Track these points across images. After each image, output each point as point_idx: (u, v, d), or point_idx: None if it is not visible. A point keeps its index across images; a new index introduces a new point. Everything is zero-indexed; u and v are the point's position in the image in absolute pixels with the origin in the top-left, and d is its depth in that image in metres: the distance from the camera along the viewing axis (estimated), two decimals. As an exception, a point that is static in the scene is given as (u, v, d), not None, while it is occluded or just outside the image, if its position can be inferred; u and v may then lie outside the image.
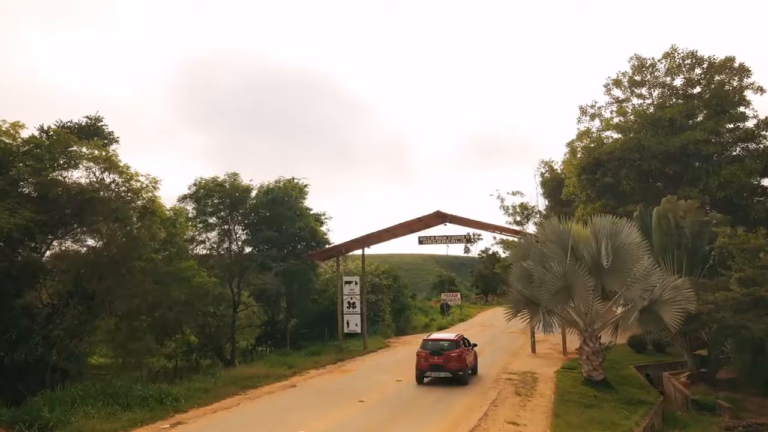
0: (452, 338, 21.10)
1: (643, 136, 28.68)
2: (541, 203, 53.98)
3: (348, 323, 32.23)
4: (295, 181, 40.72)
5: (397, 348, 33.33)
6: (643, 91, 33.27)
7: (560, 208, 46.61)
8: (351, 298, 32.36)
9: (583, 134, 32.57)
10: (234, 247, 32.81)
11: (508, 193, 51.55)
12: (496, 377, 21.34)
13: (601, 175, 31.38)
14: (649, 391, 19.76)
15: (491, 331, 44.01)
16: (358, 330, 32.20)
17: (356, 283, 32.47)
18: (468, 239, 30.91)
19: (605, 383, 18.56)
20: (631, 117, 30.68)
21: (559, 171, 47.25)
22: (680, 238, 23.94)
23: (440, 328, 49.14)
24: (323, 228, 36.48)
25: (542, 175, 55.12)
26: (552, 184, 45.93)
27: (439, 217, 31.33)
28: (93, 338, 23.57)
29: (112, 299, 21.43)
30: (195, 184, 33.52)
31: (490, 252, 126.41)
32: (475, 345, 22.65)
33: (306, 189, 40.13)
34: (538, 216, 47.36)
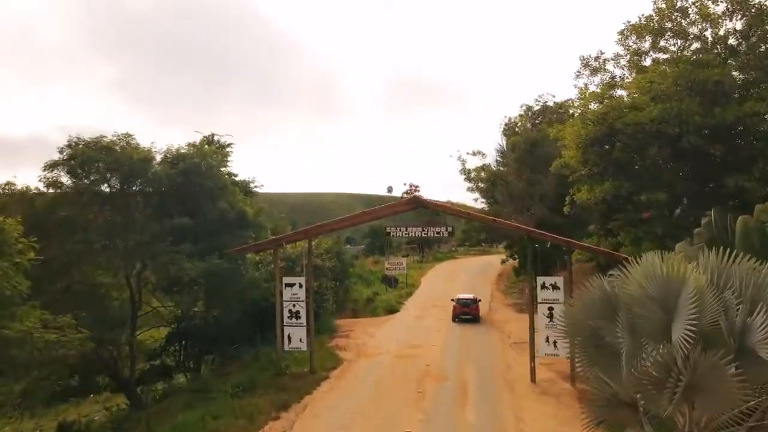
0: (470, 297, 36.16)
1: (684, 105, 21.71)
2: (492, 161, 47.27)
3: (290, 338, 24.41)
4: (216, 138, 31.24)
5: (354, 367, 25.91)
6: (670, 43, 26.29)
7: (532, 174, 40.12)
8: (294, 306, 24.41)
9: (595, 97, 25.20)
10: (132, 239, 23.46)
11: (468, 153, 44.54)
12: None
13: (620, 150, 24.49)
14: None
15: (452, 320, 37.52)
16: (303, 347, 24.48)
17: (301, 286, 24.47)
18: (450, 233, 23.51)
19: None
20: (655, 77, 23.51)
21: (531, 130, 40.39)
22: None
23: (389, 311, 42.50)
24: (258, 211, 27.73)
25: (505, 132, 48.33)
26: (524, 146, 39.10)
27: (411, 204, 23.77)
28: None
29: None
30: (69, 146, 23.59)
31: (414, 189, 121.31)
32: (479, 300, 37.16)
33: (229, 150, 30.92)
34: (506, 185, 40.64)
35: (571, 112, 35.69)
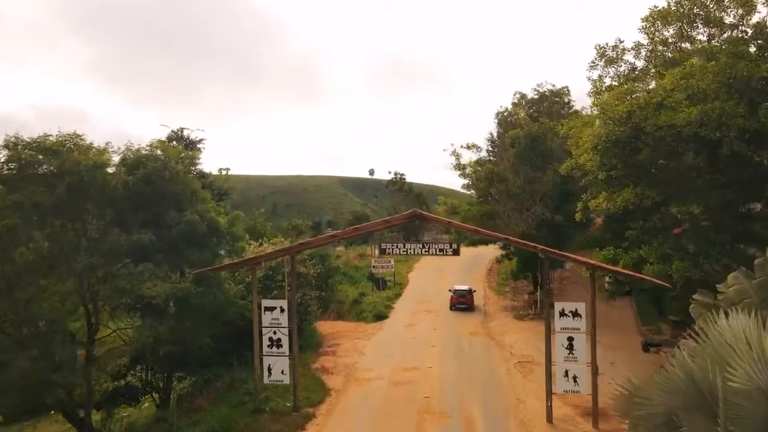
0: (466, 289, 40.08)
1: (728, 106, 18.79)
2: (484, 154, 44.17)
3: (270, 370, 21.24)
4: (186, 133, 27.66)
5: (344, 399, 22.81)
6: (699, 31, 23.31)
7: (532, 171, 37.15)
8: (275, 333, 21.21)
9: (619, 94, 22.10)
10: (83, 257, 19.85)
11: (463, 146, 41.35)
12: None
13: (647, 154, 21.60)
14: None
15: (448, 327, 34.59)
16: (286, 379, 21.35)
17: (282, 310, 21.24)
18: (455, 251, 20.46)
19: None
20: (692, 72, 20.50)
21: (532, 124, 37.32)
22: None
23: (378, 317, 39.47)
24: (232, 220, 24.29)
25: (500, 124, 45.21)
26: (525, 141, 35.99)
27: (409, 218, 20.61)
28: None
29: None
30: (6, 146, 19.85)
31: (399, 177, 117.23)
32: (474, 290, 41.16)
33: (201, 146, 27.37)
34: (503, 182, 37.58)
35: (580, 107, 32.86)
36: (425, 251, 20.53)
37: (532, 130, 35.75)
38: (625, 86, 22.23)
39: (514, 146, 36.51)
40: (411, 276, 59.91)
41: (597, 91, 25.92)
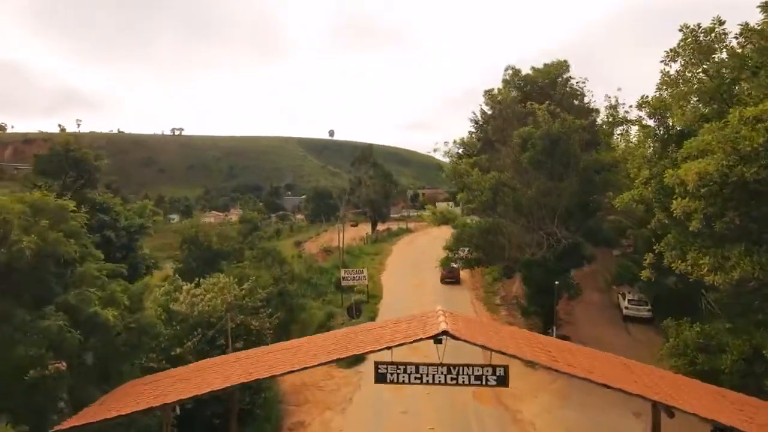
0: (455, 267, 42.61)
1: None
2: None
3: None
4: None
5: None
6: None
7: (549, 182, 29.10)
8: None
9: (756, 115, 13.94)
10: None
11: (456, 142, 33.17)
12: None
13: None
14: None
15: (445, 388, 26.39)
16: None
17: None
18: (500, 380, 12.45)
19: None
20: None
21: (544, 116, 28.97)
22: None
23: (353, 360, 31.47)
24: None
25: (489, 104, 36.96)
26: (542, 144, 27.78)
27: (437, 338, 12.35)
28: None
29: None
30: None
31: (367, 150, 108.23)
32: (460, 267, 41.38)
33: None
34: (511, 194, 29.41)
35: (634, 115, 24.86)
36: (452, 380, 12.44)
37: (552, 130, 27.55)
38: (763, 104, 14.08)
39: (527, 150, 28.29)
40: (384, 278, 51.92)
41: (679, 94, 17.76)
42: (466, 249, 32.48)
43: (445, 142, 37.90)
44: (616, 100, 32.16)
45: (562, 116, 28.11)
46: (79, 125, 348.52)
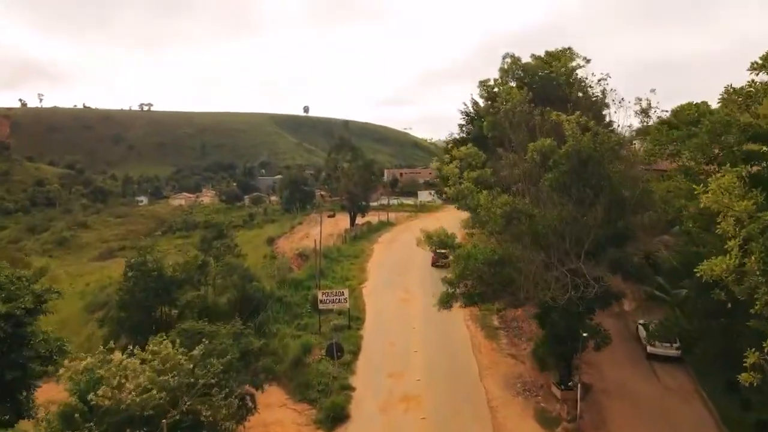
0: (445, 252, 36.89)
1: None
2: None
3: None
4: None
5: None
6: None
7: (575, 207, 23.57)
8: None
9: None
10: None
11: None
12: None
13: None
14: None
15: None
16: None
17: None
18: None
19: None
20: None
21: (572, 129, 23.26)
22: None
23: (335, 417, 26.04)
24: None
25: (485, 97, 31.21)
26: (569, 164, 22.20)
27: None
28: None
29: None
30: None
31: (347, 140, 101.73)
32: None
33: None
34: (528, 222, 23.81)
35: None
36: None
37: (583, 147, 21.92)
38: None
39: (551, 170, 22.66)
40: (366, 291, 46.22)
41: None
42: (469, 283, 27.05)
43: (431, 138, 32.03)
44: (648, 103, 26.54)
45: (593, 129, 22.47)
46: (41, 100, 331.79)
